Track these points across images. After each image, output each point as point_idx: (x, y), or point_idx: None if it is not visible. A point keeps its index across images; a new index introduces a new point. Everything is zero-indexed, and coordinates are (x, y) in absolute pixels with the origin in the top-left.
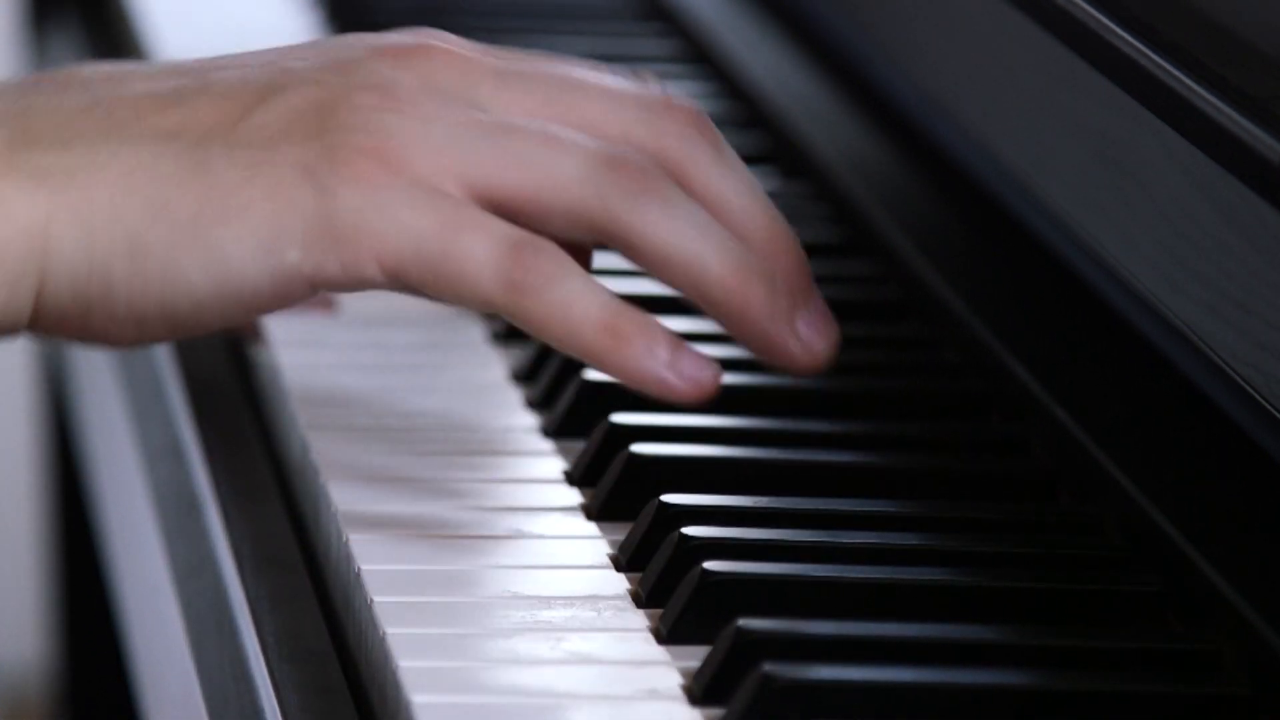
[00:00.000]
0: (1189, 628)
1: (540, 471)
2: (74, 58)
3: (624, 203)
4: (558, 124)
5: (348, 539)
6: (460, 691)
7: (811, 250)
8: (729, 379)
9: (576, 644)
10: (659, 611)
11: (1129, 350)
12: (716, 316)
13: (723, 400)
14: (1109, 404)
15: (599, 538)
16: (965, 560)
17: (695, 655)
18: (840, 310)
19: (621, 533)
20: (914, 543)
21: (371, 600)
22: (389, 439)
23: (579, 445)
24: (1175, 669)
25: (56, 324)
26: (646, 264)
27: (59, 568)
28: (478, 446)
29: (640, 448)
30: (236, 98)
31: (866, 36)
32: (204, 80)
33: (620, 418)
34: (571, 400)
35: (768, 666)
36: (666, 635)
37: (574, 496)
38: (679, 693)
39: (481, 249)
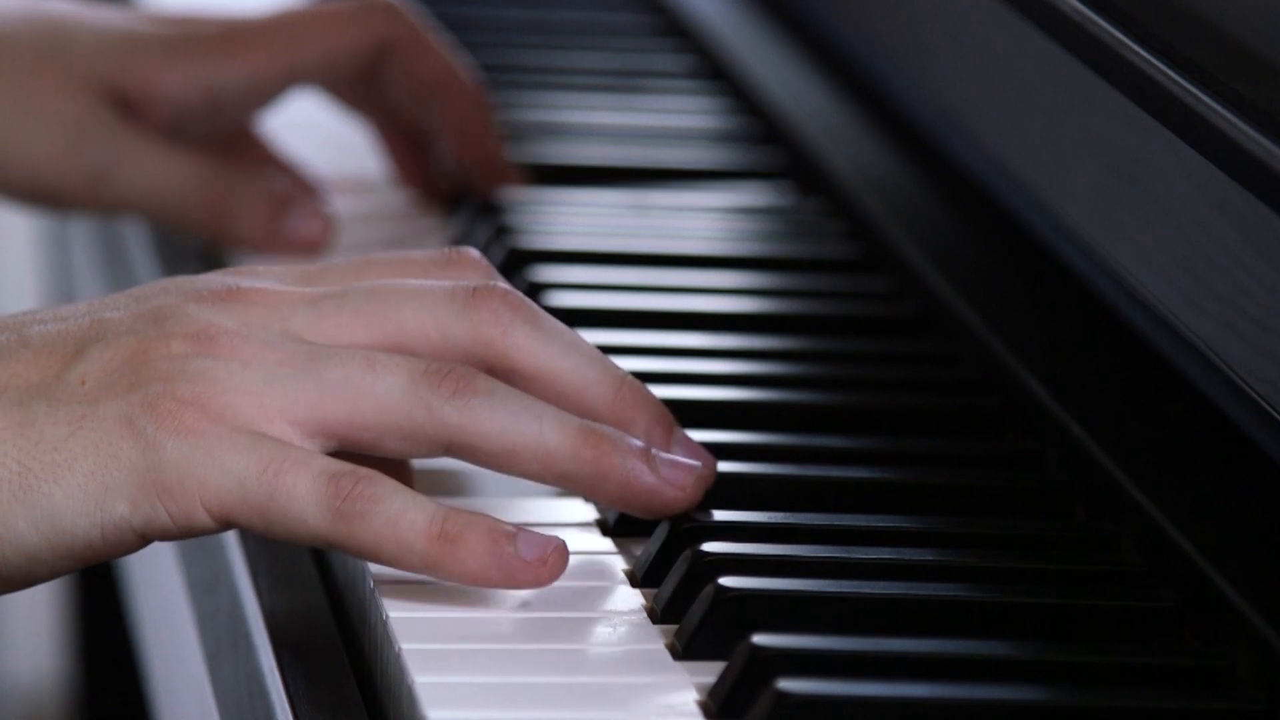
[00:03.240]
0: (1205, 643)
1: (556, 491)
2: None
3: (450, 408)
4: (376, 342)
5: None
6: (475, 706)
7: (828, 266)
8: (743, 395)
9: (591, 660)
10: (674, 627)
11: (1145, 366)
12: (580, 491)
13: (738, 416)
14: (1125, 420)
15: (614, 553)
16: (981, 576)
17: (711, 671)
18: (856, 326)
19: (636, 547)
20: (930, 558)
21: (387, 615)
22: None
23: None
24: (1192, 685)
25: None
26: (493, 463)
27: (75, 583)
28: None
29: None
30: (56, 351)
31: (883, 52)
32: (22, 335)
33: None
34: None
35: (783, 683)
36: (682, 651)
37: (589, 512)
38: (694, 708)
39: (304, 485)
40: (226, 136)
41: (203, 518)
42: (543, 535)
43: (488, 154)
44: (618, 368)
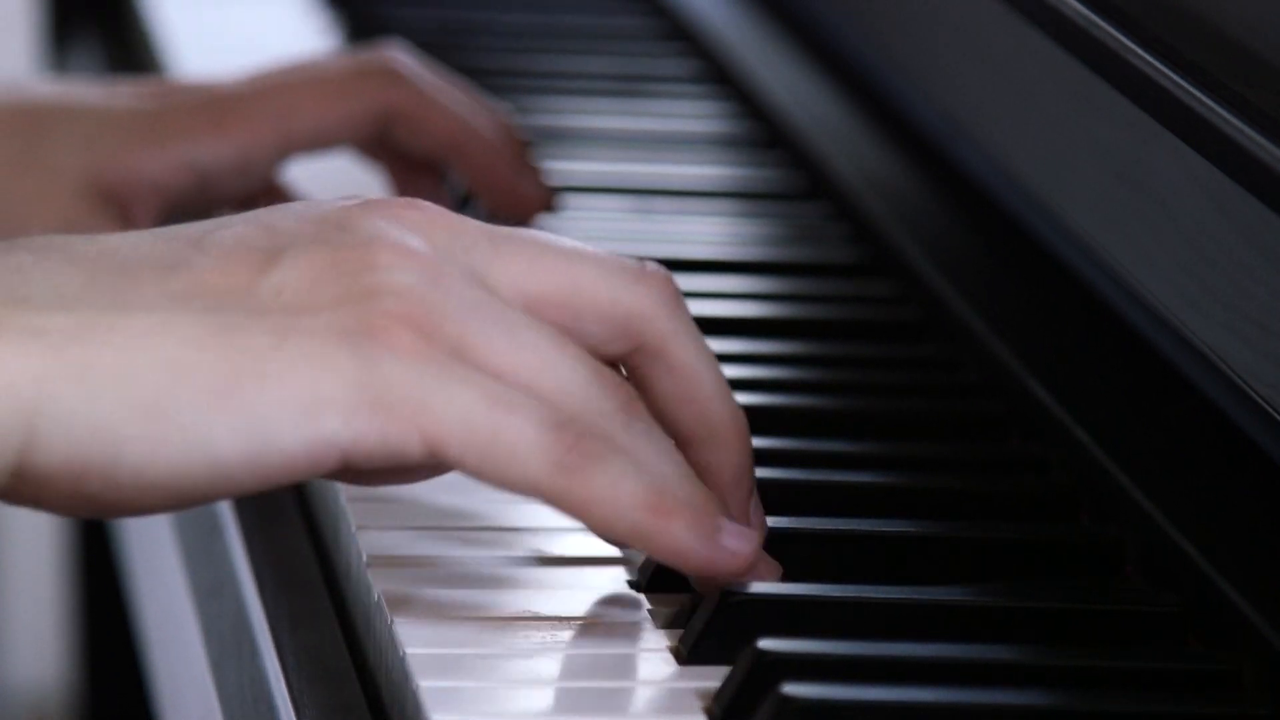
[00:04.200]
0: (1209, 648)
1: None
2: (94, 74)
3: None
4: (548, 292)
5: (368, 559)
6: (480, 711)
7: (831, 270)
8: (747, 399)
9: (596, 665)
10: (679, 632)
11: (1149, 370)
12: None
13: None
14: (1129, 424)
15: (619, 559)
16: (984, 580)
17: (715, 676)
18: (860, 330)
19: (641, 553)
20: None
21: (391, 620)
22: None
23: None
24: (1196, 689)
25: (40, 490)
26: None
27: (80, 587)
28: None
29: None
30: (242, 260)
31: (887, 56)
32: (198, 244)
33: None
34: None
35: (787, 687)
36: (687, 655)
37: None
38: (699, 713)
39: (530, 430)
40: (255, 192)
41: (415, 445)
42: (747, 530)
43: (521, 200)
44: (742, 416)
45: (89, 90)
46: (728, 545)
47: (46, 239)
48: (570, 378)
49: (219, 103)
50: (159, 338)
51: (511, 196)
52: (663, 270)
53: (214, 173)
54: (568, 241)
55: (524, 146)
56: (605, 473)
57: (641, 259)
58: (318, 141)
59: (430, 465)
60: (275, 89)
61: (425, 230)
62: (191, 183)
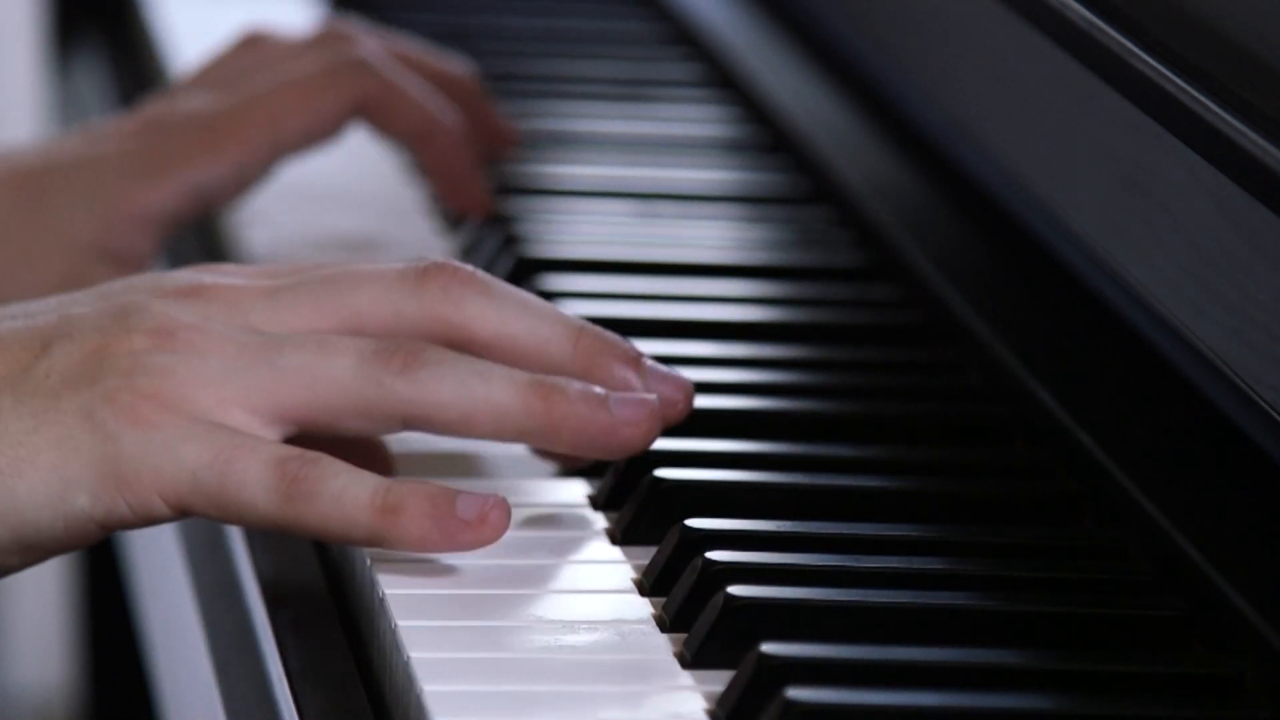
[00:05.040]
0: (1214, 652)
1: (565, 496)
2: (98, 77)
3: (400, 382)
4: (333, 327)
5: (372, 564)
6: (483, 715)
7: (835, 275)
8: (752, 403)
9: (601, 669)
10: (683, 636)
11: (1153, 375)
12: (539, 445)
13: (745, 425)
14: (1133, 428)
15: (623, 562)
16: (989, 585)
17: (719, 679)
18: (864, 334)
19: (646, 557)
20: (938, 567)
21: (395, 625)
22: (414, 465)
23: (603, 470)
24: (1200, 693)
25: None
26: (450, 430)
27: (84, 592)
28: (501, 471)
29: (664, 473)
30: (25, 346)
31: (891, 61)
32: None
33: None
34: None
35: (791, 691)
36: (691, 660)
37: (599, 521)
38: (703, 717)
39: (253, 471)
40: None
41: (159, 507)
42: (482, 495)
43: (471, 196)
44: (574, 319)
45: (72, 143)
46: (462, 515)
47: None
48: (339, 374)
49: (208, 124)
50: None
51: (463, 194)
52: (447, 264)
53: (214, 191)
54: (348, 270)
55: (486, 93)
56: (326, 492)
57: (423, 259)
58: (306, 141)
59: (200, 516)
60: (259, 99)
61: (202, 306)
62: (195, 205)
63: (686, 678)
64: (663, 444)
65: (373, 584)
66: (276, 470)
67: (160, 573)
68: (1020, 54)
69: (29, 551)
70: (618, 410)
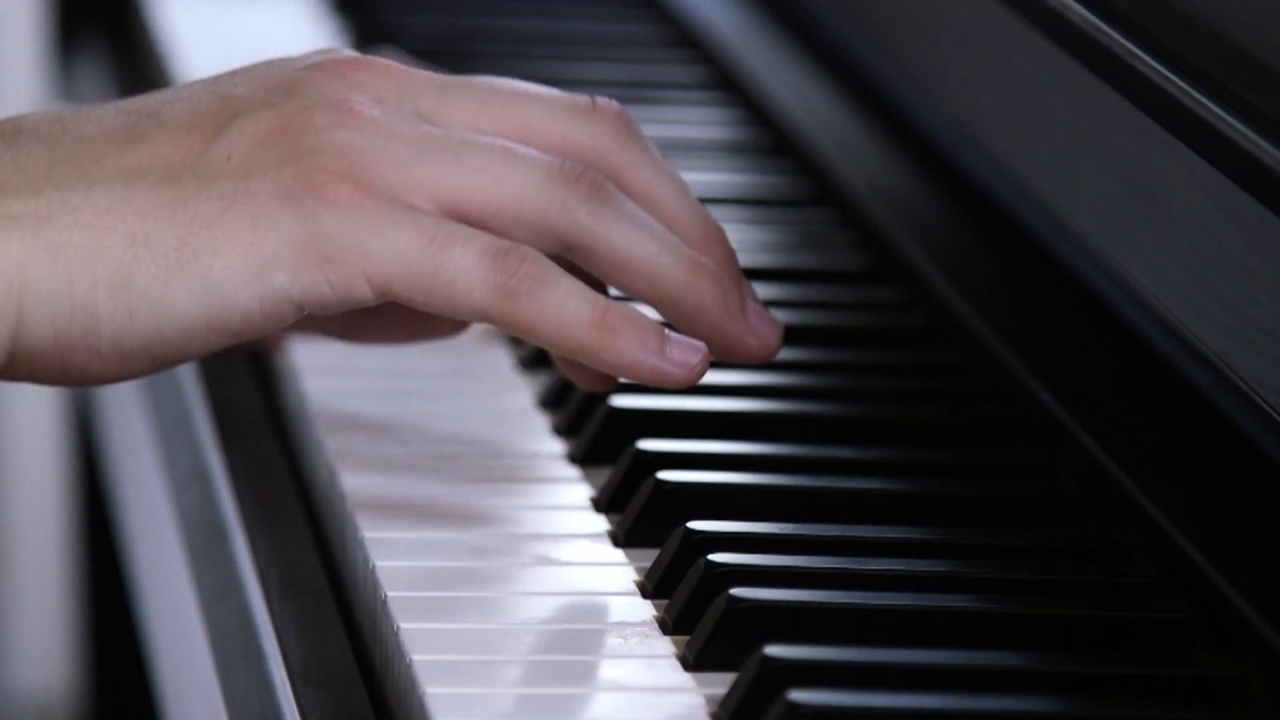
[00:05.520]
0: (1216, 655)
1: (567, 498)
2: (100, 78)
3: (583, 212)
4: (499, 133)
5: (374, 565)
6: (486, 718)
7: (838, 277)
8: (754, 405)
9: (603, 671)
10: (686, 638)
11: (1155, 376)
12: (675, 316)
13: (748, 427)
14: (1136, 431)
15: (625, 564)
16: (992, 587)
17: (722, 682)
18: (867, 337)
19: (648, 559)
20: (941, 569)
21: (398, 627)
22: (415, 466)
23: (605, 471)
24: (1202, 696)
25: (33, 366)
26: (607, 270)
27: (86, 593)
28: (504, 473)
29: (667, 474)
30: (194, 129)
31: (893, 63)
32: (155, 116)
33: (647, 444)
34: (598, 427)
35: (794, 694)
36: (693, 662)
37: (600, 523)
38: (706, 719)
39: (469, 260)
40: None
41: (362, 287)
42: (693, 343)
43: None
44: (720, 227)
45: None
46: (674, 355)
47: (14, 121)
48: (525, 183)
49: None
50: (119, 213)
51: None
52: (614, 104)
53: None
54: (518, 83)
55: None
56: (547, 295)
57: (594, 95)
58: None
59: (390, 300)
60: None
61: (372, 87)
62: None
63: (689, 680)
64: (665, 445)
65: (375, 586)
66: (495, 261)
67: (162, 573)
68: (1022, 56)
69: (218, 334)
70: (753, 319)
